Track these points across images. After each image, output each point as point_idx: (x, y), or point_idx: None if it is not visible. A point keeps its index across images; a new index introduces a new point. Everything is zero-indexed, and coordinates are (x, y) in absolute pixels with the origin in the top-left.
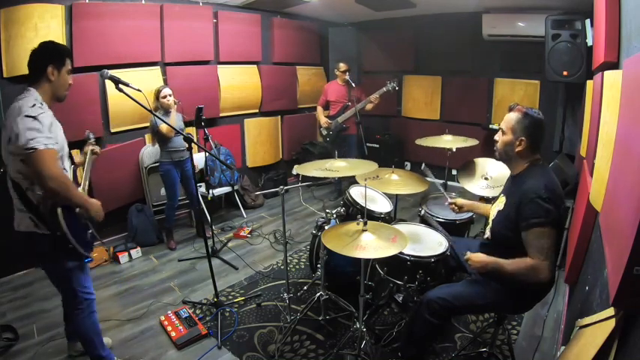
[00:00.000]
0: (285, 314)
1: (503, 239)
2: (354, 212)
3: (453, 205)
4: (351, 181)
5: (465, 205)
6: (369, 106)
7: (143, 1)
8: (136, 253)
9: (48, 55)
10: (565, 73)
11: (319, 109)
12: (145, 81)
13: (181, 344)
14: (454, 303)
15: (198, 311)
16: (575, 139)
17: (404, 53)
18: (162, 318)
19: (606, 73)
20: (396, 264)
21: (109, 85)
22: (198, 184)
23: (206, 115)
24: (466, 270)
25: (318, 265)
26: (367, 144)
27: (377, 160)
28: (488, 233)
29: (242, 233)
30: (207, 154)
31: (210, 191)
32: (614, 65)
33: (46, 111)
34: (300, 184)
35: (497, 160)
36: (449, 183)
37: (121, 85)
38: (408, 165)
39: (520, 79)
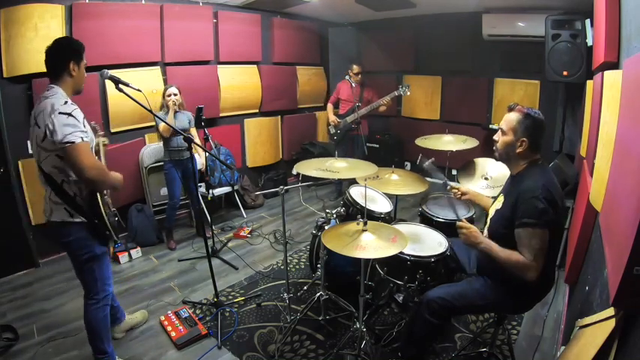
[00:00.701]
0: (285, 314)
1: (500, 237)
2: (354, 212)
3: (456, 190)
4: (352, 181)
5: (469, 192)
6: (381, 108)
7: (143, 1)
8: (135, 253)
9: (68, 52)
10: (565, 73)
11: (330, 106)
12: (145, 81)
13: (181, 344)
14: (454, 303)
15: (198, 311)
16: (575, 139)
17: (404, 53)
18: (162, 318)
19: (606, 73)
20: (396, 264)
21: (109, 85)
22: (198, 184)
23: (206, 115)
24: (465, 271)
25: (318, 265)
26: (367, 144)
27: (377, 160)
28: (486, 232)
29: (242, 233)
30: (207, 154)
31: (210, 191)
32: (614, 65)
33: (77, 107)
34: (300, 184)
35: (496, 160)
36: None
37: (120, 85)
38: (408, 165)
39: (520, 79)
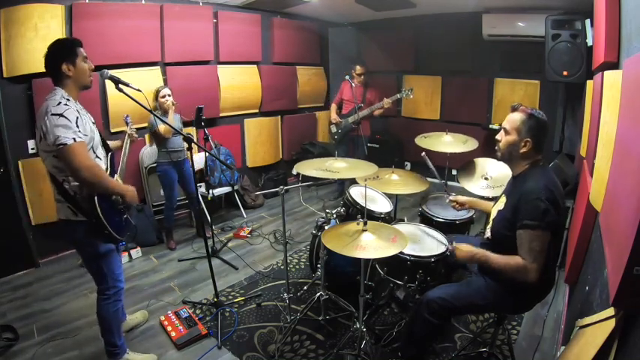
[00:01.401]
0: (285, 314)
1: (502, 239)
2: (354, 212)
3: (455, 203)
4: (353, 180)
5: (467, 202)
6: (376, 112)
7: (143, 1)
8: (135, 253)
9: (58, 55)
10: (565, 73)
11: (334, 106)
12: (145, 81)
13: (181, 344)
14: (454, 303)
15: (198, 311)
16: (575, 139)
17: (404, 53)
18: (162, 318)
19: (606, 73)
20: (396, 264)
21: (109, 85)
22: (198, 184)
23: (206, 115)
24: (466, 267)
25: (318, 265)
26: (367, 144)
27: (377, 160)
28: (488, 233)
29: (242, 233)
30: (207, 154)
31: (210, 191)
32: (614, 65)
33: (72, 107)
34: (300, 184)
35: (498, 160)
36: (449, 183)
37: (120, 85)
38: (408, 165)
39: (520, 79)
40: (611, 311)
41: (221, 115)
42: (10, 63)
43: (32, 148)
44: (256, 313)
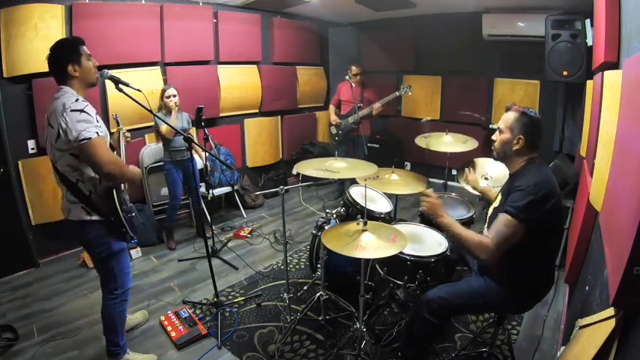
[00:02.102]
0: (285, 314)
1: None
2: (354, 212)
3: (468, 174)
4: (352, 180)
5: (477, 184)
6: (375, 111)
7: (143, 1)
8: (135, 253)
9: (62, 56)
10: (565, 73)
11: (332, 107)
12: (145, 81)
13: (181, 344)
14: (454, 302)
15: (198, 311)
16: (575, 139)
17: (404, 53)
18: (162, 318)
19: (606, 73)
20: (396, 264)
21: (109, 85)
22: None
23: (206, 115)
24: (468, 264)
25: (318, 265)
26: (367, 144)
27: (377, 160)
28: (486, 231)
29: (242, 233)
30: (207, 154)
31: (210, 191)
32: (614, 65)
33: (89, 104)
34: (300, 184)
35: (494, 159)
36: (449, 183)
37: (120, 85)
38: (408, 165)
39: (520, 79)
40: (611, 311)
41: (221, 115)
42: (10, 63)
43: (32, 148)
44: (256, 313)
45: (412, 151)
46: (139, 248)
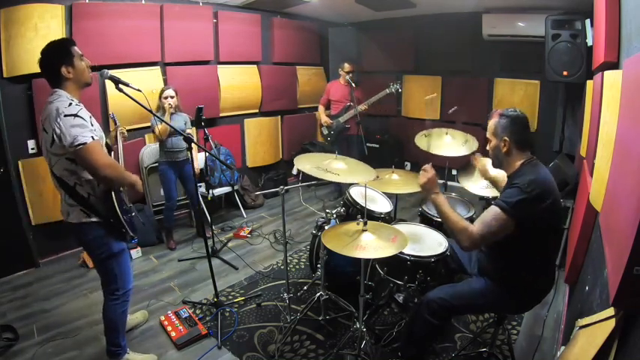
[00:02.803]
0: (285, 314)
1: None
2: (354, 212)
3: (477, 157)
4: None
5: (485, 170)
6: (362, 107)
7: (143, 1)
8: (135, 253)
9: (55, 58)
10: (565, 73)
11: (321, 108)
12: (145, 81)
13: (181, 344)
14: (454, 303)
15: (198, 311)
16: (575, 139)
17: (404, 53)
18: (162, 318)
19: (606, 73)
20: (396, 264)
21: (109, 85)
22: (198, 184)
23: (206, 115)
24: (466, 271)
25: (318, 265)
26: (367, 144)
27: (377, 160)
28: None
29: (242, 233)
30: (207, 154)
31: (210, 191)
32: (614, 65)
33: (83, 107)
34: (300, 184)
35: (494, 167)
36: (449, 183)
37: (120, 85)
38: (408, 165)
39: (520, 79)
40: (611, 311)
41: (221, 115)
42: (10, 63)
43: (32, 148)
44: (256, 313)
45: (412, 151)
46: (139, 248)
